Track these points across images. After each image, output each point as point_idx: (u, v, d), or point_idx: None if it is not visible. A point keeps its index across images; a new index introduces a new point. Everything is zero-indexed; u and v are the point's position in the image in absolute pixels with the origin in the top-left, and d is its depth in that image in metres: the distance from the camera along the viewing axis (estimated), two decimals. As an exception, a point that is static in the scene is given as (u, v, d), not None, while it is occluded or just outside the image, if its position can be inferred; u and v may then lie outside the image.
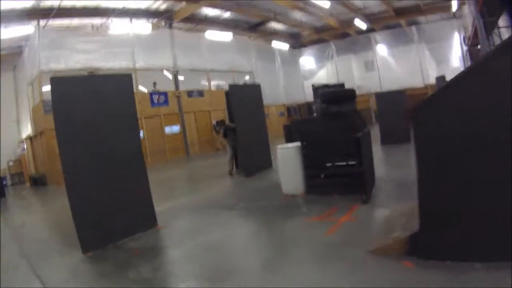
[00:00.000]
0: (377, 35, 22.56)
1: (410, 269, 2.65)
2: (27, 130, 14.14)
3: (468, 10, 12.70)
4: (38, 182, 12.58)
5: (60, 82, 4.21)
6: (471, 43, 15.30)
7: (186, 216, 5.48)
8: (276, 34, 21.44)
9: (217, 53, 17.76)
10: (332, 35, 22.75)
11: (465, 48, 18.81)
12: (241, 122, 8.13)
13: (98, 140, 4.31)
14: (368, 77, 22.53)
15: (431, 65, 20.84)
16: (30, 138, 13.92)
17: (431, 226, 2.65)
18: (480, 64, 2.68)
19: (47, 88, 10.15)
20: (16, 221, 7.10)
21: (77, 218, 4.03)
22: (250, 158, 8.27)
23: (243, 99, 8.47)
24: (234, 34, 17.95)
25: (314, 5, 15.58)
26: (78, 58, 12.68)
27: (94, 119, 4.29)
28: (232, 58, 19.04)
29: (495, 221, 2.43)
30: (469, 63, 17.80)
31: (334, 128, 5.19)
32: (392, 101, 9.75)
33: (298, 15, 18.44)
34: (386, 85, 21.00)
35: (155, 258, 3.83)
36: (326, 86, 11.12)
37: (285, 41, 22.51)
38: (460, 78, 2.58)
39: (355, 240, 3.45)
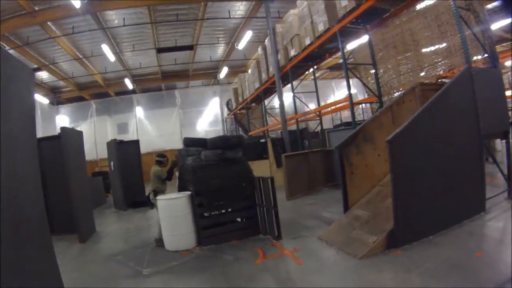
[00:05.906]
0: (139, 97, 22.56)
1: (402, 254, 3.47)
2: None
3: (255, 75, 14.09)
4: None
5: None
6: (240, 108, 17.29)
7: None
8: (39, 86, 18.90)
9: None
10: (93, 94, 21.80)
11: (226, 112, 21.52)
12: (73, 176, 6.25)
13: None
14: (123, 139, 21.48)
15: (190, 128, 21.97)
16: None
17: (403, 223, 3.67)
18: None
19: None
20: None
21: None
22: (86, 219, 6.74)
23: (73, 147, 6.62)
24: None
25: (98, 55, 14.95)
26: None
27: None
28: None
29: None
30: (229, 126, 20.92)
31: (233, 173, 5.14)
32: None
33: (71, 67, 17.26)
34: (144, 148, 20.38)
35: None
36: (121, 141, 10.51)
37: (46, 95, 20.21)
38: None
39: (334, 260, 3.70)
